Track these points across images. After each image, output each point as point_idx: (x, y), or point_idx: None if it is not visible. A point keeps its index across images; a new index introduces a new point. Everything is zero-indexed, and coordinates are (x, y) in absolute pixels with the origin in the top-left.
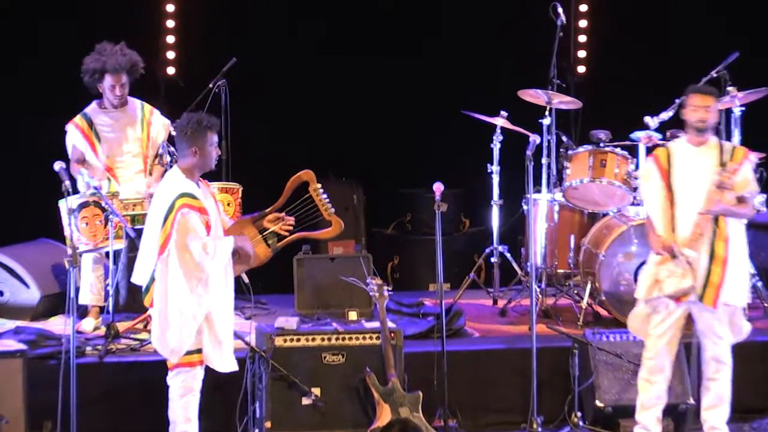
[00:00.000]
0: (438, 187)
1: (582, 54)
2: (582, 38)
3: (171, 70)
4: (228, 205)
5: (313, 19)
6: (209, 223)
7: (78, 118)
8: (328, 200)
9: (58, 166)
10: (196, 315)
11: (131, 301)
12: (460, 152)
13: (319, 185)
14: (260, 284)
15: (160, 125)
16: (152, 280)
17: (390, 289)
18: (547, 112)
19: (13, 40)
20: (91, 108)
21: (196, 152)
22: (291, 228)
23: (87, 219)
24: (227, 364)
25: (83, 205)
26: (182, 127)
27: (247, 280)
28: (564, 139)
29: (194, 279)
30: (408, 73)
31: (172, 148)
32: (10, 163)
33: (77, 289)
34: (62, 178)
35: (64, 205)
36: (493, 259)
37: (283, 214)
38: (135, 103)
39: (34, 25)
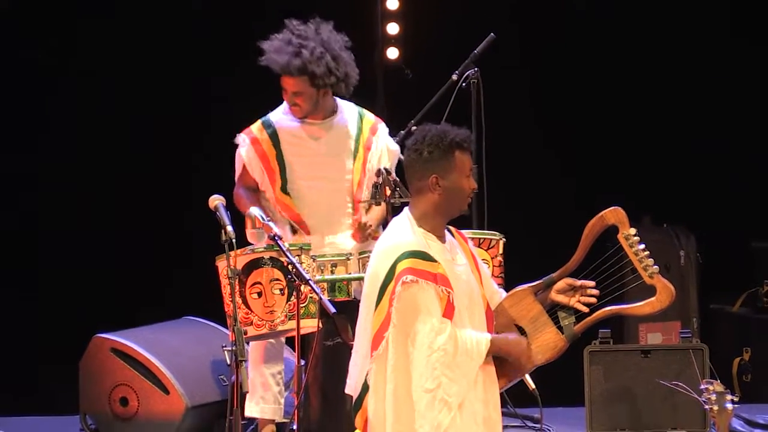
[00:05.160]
0: None
1: None
2: None
3: (393, 53)
4: None
5: None
6: (452, 301)
7: (256, 127)
8: (647, 254)
9: (215, 202)
10: None
11: (330, 419)
12: None
13: (632, 230)
14: (537, 392)
15: (384, 150)
16: (366, 388)
17: (736, 399)
18: None
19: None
20: (279, 113)
21: (437, 183)
22: (594, 301)
23: (260, 287)
24: None
25: (255, 265)
26: (414, 144)
27: (532, 386)
28: None
29: (427, 391)
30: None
31: (395, 177)
32: (150, 203)
33: (243, 397)
34: (222, 222)
35: (225, 264)
36: None
37: (579, 280)
38: (348, 110)
39: None
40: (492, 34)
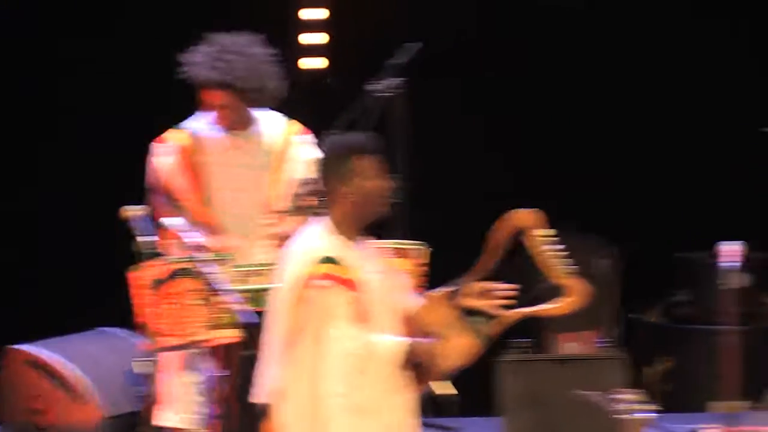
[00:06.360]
0: (728, 251)
1: None
2: None
3: (316, 62)
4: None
5: None
6: (365, 306)
7: (175, 135)
8: (559, 255)
9: (127, 212)
10: None
11: (248, 429)
12: None
13: (543, 231)
14: (456, 399)
15: (303, 162)
16: (274, 396)
17: (654, 409)
18: None
19: None
20: (199, 121)
21: (344, 191)
22: (507, 303)
23: (176, 297)
24: None
25: (171, 276)
26: (323, 154)
27: (443, 392)
28: None
29: (339, 396)
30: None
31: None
32: (56, 208)
33: (153, 407)
34: (135, 232)
35: (139, 275)
36: None
37: (492, 284)
38: (270, 119)
39: None
40: (418, 42)
